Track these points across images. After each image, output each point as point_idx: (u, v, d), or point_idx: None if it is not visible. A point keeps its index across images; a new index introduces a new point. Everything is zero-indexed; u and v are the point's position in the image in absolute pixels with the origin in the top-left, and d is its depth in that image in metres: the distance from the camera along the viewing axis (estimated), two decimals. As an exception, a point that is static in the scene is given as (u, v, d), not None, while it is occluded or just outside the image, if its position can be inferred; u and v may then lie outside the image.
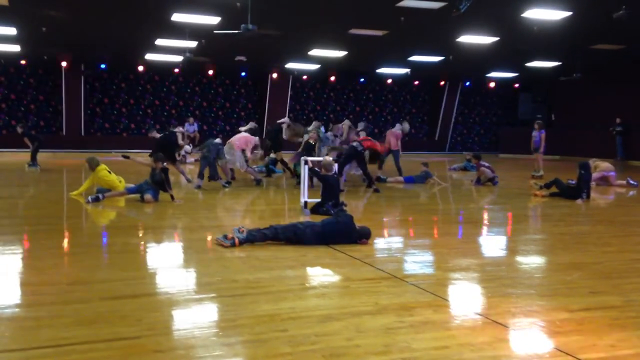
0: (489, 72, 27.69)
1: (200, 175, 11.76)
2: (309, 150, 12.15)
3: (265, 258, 5.65)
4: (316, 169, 9.15)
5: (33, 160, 15.79)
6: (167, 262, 5.73)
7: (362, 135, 12.91)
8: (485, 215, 9.50)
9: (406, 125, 15.13)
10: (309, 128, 13.39)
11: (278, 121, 15.11)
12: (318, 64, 24.56)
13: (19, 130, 16.33)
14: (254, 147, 12.58)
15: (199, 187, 11.48)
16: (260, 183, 12.48)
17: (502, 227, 8.43)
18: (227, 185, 11.92)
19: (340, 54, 21.67)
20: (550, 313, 4.15)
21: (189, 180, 12.40)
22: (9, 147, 23.01)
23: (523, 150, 21.75)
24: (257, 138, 12.85)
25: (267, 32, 13.61)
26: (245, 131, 13.26)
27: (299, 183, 11.41)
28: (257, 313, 3.99)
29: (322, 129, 13.26)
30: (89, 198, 9.35)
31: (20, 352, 3.31)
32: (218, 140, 12.31)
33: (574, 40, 18.52)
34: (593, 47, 19.80)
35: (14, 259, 5.73)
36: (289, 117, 15.34)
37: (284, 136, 14.36)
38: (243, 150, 12.23)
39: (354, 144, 11.83)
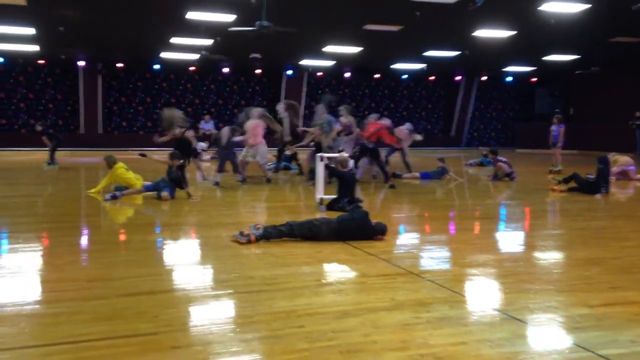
0: (505, 67, 27.47)
1: (220, 170, 11.76)
2: (318, 148, 11.78)
3: (281, 254, 5.66)
4: (332, 165, 9.12)
5: (51, 159, 15.96)
6: (183, 259, 5.75)
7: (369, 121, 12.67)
8: (503, 211, 9.43)
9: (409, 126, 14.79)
10: (316, 121, 13.08)
11: (278, 115, 14.42)
12: (333, 60, 24.53)
13: (39, 128, 16.48)
14: (269, 123, 12.32)
15: (216, 183, 11.51)
16: (270, 182, 12.42)
17: (519, 223, 8.36)
18: (243, 182, 11.94)
19: (355, 50, 21.63)
20: (569, 309, 4.10)
21: (204, 178, 12.44)
22: (28, 146, 23.28)
23: (540, 145, 21.53)
24: (261, 110, 12.45)
25: (283, 28, 13.54)
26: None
27: (313, 184, 11.37)
28: (273, 309, 3.99)
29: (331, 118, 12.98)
30: (107, 196, 9.43)
31: (40, 348, 3.34)
32: (226, 130, 12.02)
33: (592, 33, 18.30)
34: (611, 40, 19.55)
35: (33, 257, 5.79)
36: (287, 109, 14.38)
37: (286, 122, 13.97)
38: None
39: (364, 141, 11.68)
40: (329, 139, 11.94)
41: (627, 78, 24.75)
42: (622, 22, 16.68)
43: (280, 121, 13.89)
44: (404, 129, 14.32)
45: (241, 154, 12.17)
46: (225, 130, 12.05)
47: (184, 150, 11.74)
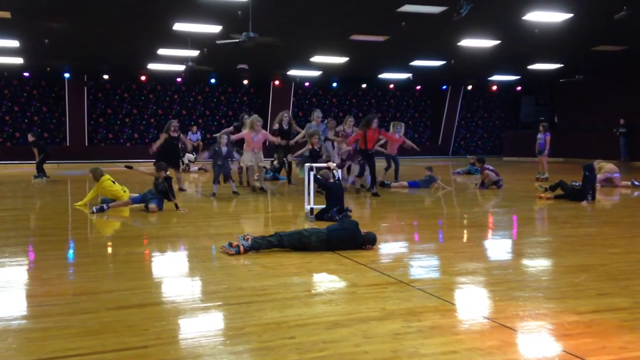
0: (491, 76, 27.69)
1: (216, 181, 11.70)
2: (315, 157, 11.62)
3: (271, 265, 5.64)
4: (318, 176, 9.11)
5: (39, 172, 15.83)
6: (172, 271, 5.72)
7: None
8: (491, 219, 9.48)
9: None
10: (312, 126, 13.15)
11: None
12: (320, 70, 24.61)
13: (31, 138, 16.32)
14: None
15: (213, 194, 11.46)
16: (265, 191, 12.38)
17: (507, 230, 8.40)
18: (236, 193, 11.85)
19: (341, 60, 21.72)
20: (559, 316, 4.12)
21: (181, 189, 12.30)
22: (13, 159, 23.12)
23: (527, 153, 21.72)
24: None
25: (268, 40, 13.60)
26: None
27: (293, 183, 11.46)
28: (263, 320, 3.98)
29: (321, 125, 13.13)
30: (94, 208, 9.37)
31: (28, 364, 3.30)
32: (225, 139, 11.85)
33: (575, 42, 18.51)
34: (595, 48, 19.79)
35: (19, 271, 5.73)
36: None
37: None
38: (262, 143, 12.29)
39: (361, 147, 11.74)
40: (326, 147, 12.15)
41: (611, 86, 25.05)
42: (605, 31, 16.89)
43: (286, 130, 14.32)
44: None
45: (244, 161, 12.13)
46: (225, 140, 11.78)
47: (171, 159, 11.68)
